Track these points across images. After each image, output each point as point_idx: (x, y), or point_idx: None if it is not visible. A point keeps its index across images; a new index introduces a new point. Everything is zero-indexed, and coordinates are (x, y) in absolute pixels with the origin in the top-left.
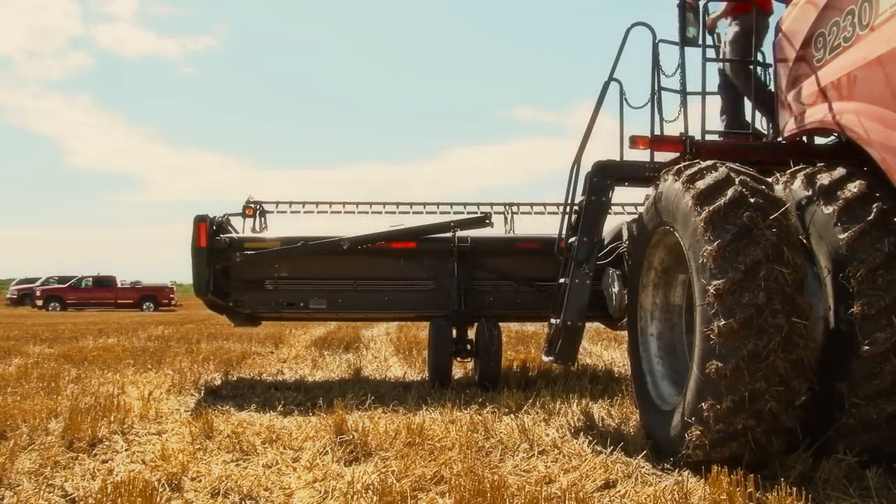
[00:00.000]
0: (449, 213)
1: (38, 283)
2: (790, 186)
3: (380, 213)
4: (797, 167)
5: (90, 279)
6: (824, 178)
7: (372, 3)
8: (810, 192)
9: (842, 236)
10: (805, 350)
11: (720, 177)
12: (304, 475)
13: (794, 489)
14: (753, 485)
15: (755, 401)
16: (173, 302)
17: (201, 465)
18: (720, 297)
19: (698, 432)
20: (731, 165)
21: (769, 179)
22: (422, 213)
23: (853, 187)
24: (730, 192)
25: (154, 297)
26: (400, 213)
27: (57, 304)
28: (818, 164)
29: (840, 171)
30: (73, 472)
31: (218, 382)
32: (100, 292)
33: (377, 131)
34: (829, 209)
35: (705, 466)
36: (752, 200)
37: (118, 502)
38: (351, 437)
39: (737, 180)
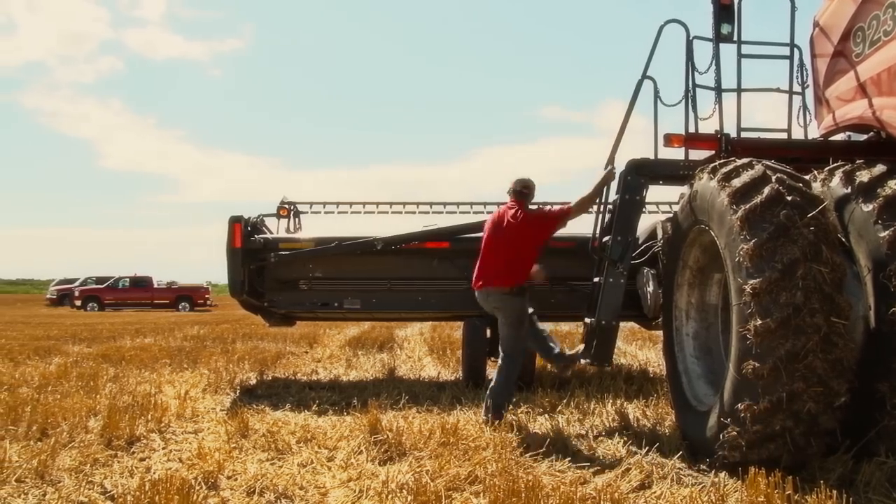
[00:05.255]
0: (482, 212)
1: (76, 283)
2: (828, 184)
3: (413, 213)
4: (835, 164)
5: (127, 280)
6: (863, 176)
7: (400, 4)
8: (849, 190)
9: (882, 234)
10: (844, 350)
11: (756, 175)
12: (339, 474)
13: (834, 492)
14: (792, 487)
15: (793, 402)
16: (209, 302)
17: (237, 464)
18: (757, 296)
19: (735, 433)
20: (768, 163)
21: (807, 177)
22: (454, 212)
23: (893, 184)
24: (766, 190)
25: (190, 297)
26: (433, 212)
27: (95, 305)
28: (857, 161)
29: (880, 168)
30: (112, 470)
31: (253, 382)
32: (137, 293)
33: (405, 132)
34: (868, 207)
35: (742, 468)
36: (789, 198)
37: (156, 500)
38: (385, 436)
39: (773, 178)
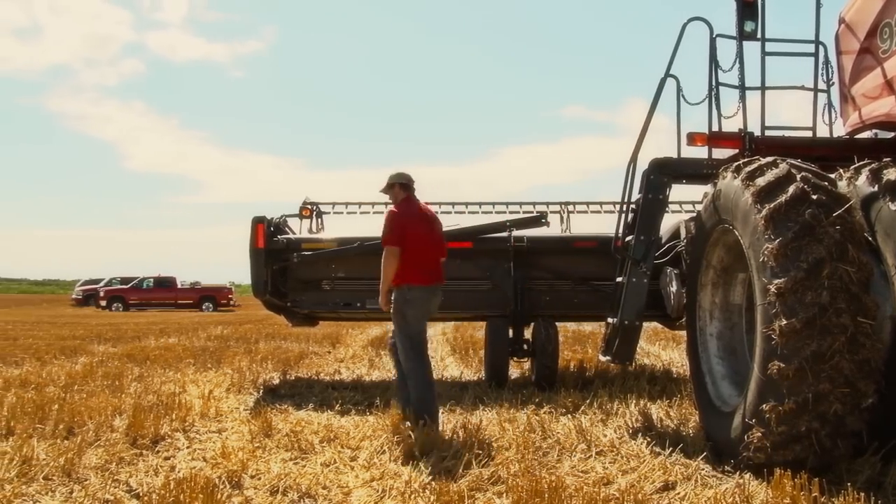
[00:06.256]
0: (504, 212)
1: (101, 284)
2: (854, 182)
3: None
4: (862, 162)
5: (151, 280)
6: (890, 174)
7: (420, 4)
8: (876, 188)
9: None
10: (872, 351)
11: (781, 173)
12: (362, 474)
13: (862, 494)
14: (818, 489)
15: (819, 403)
16: (232, 302)
17: (260, 463)
18: (782, 296)
19: (760, 434)
20: (792, 162)
21: (832, 176)
22: (477, 212)
23: None
24: (791, 189)
25: (213, 297)
26: (455, 212)
27: (119, 305)
28: (884, 159)
29: None
30: (137, 469)
31: (276, 382)
32: (160, 293)
33: (427, 132)
34: (895, 205)
35: (767, 469)
36: (814, 197)
37: (180, 498)
38: (408, 436)
39: (798, 177)
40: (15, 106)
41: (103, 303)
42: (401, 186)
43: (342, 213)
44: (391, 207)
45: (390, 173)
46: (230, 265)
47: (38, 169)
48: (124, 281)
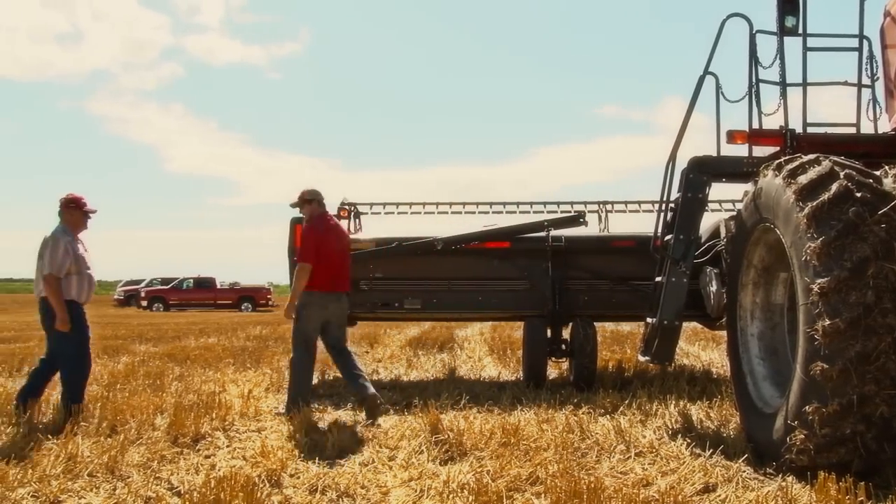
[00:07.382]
0: (542, 212)
1: (142, 284)
2: None
3: (472, 213)
4: None
5: (191, 281)
6: None
7: (455, 4)
8: None
9: None
10: None
11: (823, 171)
12: (400, 474)
13: None
14: (864, 493)
15: (864, 404)
16: (270, 302)
17: (299, 463)
18: (825, 295)
19: (802, 436)
20: (836, 159)
21: (877, 173)
22: (514, 212)
23: None
24: (834, 187)
25: (252, 297)
26: (492, 212)
27: (160, 305)
28: None
29: None
30: (178, 467)
31: (315, 381)
32: (200, 293)
33: (463, 132)
34: None
35: (811, 472)
36: (858, 195)
37: (221, 496)
38: (446, 436)
39: (841, 174)
40: (57, 110)
41: (144, 303)
42: (315, 203)
43: (380, 213)
44: (307, 224)
45: (303, 189)
46: (269, 266)
47: (81, 171)
48: (165, 281)
